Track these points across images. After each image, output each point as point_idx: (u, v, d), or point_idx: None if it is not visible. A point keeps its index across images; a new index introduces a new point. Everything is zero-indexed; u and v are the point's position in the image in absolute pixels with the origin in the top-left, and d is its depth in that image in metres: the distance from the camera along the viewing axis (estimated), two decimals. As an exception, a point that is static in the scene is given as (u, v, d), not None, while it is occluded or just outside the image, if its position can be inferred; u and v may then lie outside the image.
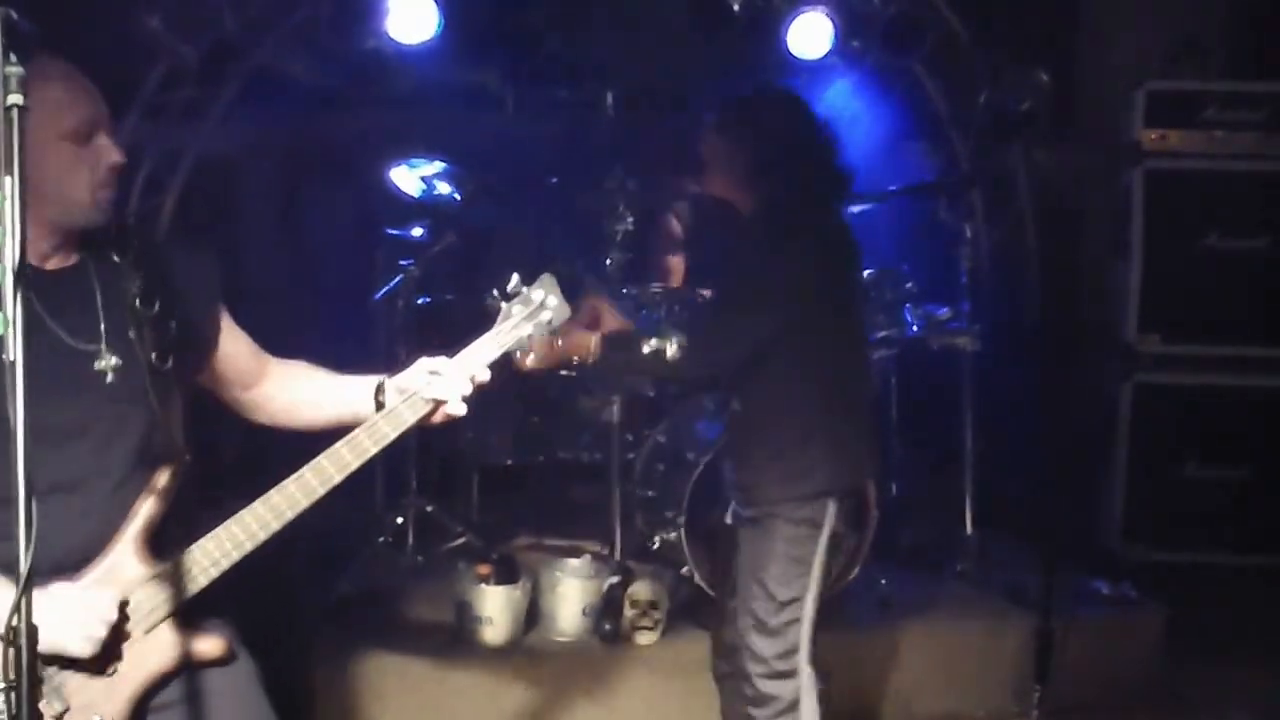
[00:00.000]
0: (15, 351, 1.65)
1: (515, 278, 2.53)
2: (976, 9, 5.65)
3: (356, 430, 2.36)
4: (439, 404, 2.42)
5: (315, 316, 5.52)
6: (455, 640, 4.21)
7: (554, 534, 5.12)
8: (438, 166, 5.15)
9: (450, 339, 5.29)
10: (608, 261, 4.85)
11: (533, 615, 4.31)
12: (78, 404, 2.23)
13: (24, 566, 1.64)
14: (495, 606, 4.17)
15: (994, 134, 5.54)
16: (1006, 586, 4.76)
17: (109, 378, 2.26)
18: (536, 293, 2.52)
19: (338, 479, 2.34)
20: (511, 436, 5.25)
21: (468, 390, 2.44)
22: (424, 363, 2.47)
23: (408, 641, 4.21)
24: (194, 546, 2.29)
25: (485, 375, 2.47)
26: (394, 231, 5.25)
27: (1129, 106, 5.64)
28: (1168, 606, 4.81)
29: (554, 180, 5.28)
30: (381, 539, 5.05)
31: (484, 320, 2.53)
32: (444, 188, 5.15)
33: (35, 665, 1.69)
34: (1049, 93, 5.41)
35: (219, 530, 2.29)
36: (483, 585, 4.21)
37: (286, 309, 5.67)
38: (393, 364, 4.95)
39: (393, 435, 2.39)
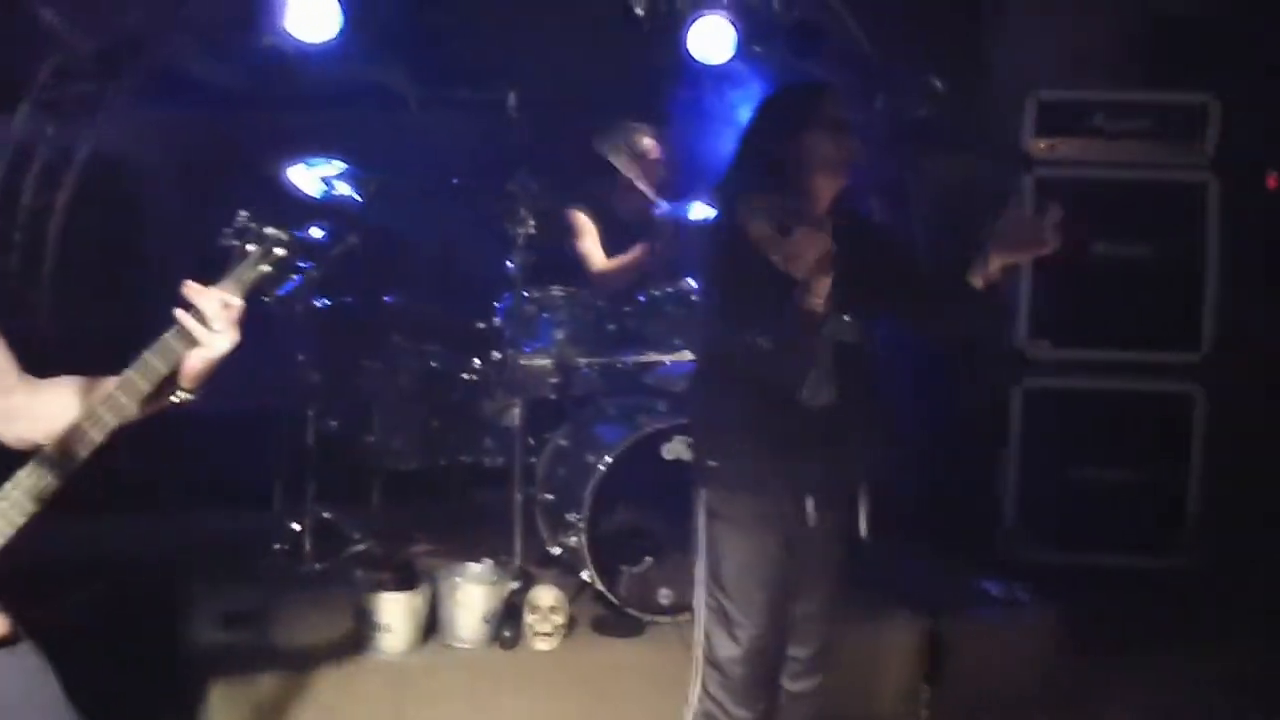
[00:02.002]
0: None
1: (243, 214, 2.52)
2: (876, 16, 5.73)
3: (110, 392, 2.32)
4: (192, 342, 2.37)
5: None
6: (354, 648, 4.17)
7: (454, 540, 5.11)
8: (338, 167, 5.09)
9: (349, 342, 5.29)
10: (510, 264, 4.84)
11: (433, 622, 4.29)
12: None
13: None
14: (394, 614, 4.15)
15: (890, 140, 5.64)
16: (900, 589, 4.82)
17: None
18: (269, 228, 2.53)
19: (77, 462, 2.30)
20: (413, 441, 5.22)
21: (217, 322, 2.37)
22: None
23: (306, 650, 4.17)
24: None
25: (235, 302, 2.41)
26: (292, 232, 5.17)
27: (1020, 115, 5.75)
28: (1058, 608, 4.90)
29: (456, 182, 5.25)
30: (278, 547, 5.00)
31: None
32: (344, 188, 5.10)
33: None
34: (945, 100, 5.51)
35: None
36: (381, 592, 4.18)
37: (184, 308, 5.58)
38: (290, 366, 4.96)
39: (146, 388, 2.33)
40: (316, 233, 5.12)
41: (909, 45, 5.69)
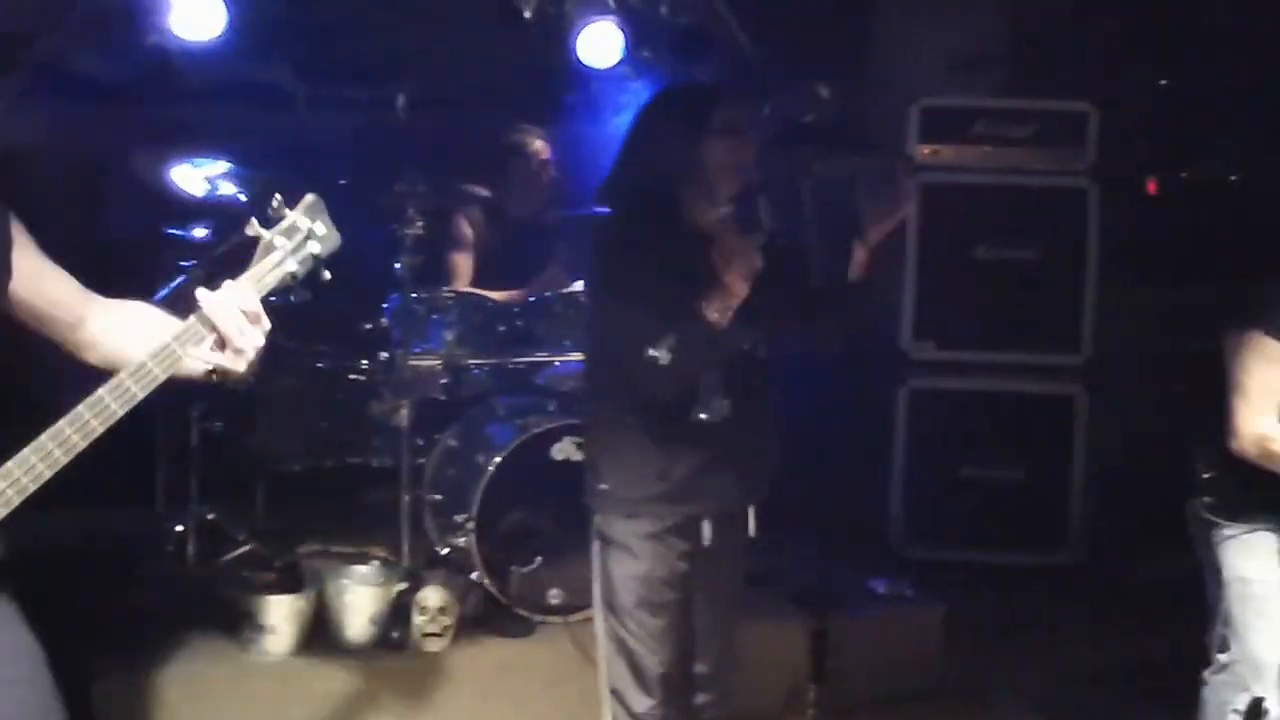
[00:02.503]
0: None
1: (277, 198, 2.23)
2: (764, 23, 5.78)
3: (100, 396, 2.11)
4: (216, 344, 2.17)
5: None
6: (239, 651, 4.12)
7: (341, 541, 5.04)
8: (223, 166, 5.02)
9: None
10: (398, 265, 4.81)
11: (319, 624, 4.24)
12: None
13: None
14: (279, 616, 4.10)
15: (778, 145, 5.69)
16: (790, 587, 4.87)
17: None
18: (302, 219, 2.23)
19: (79, 448, 2.10)
20: (299, 441, 5.16)
21: (234, 327, 2.16)
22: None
23: (190, 653, 4.12)
24: None
25: (253, 307, 2.18)
26: (176, 232, 5.10)
27: (905, 121, 5.86)
28: (943, 604, 4.97)
29: (343, 182, 5.20)
30: (162, 548, 4.91)
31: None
32: (229, 188, 5.02)
33: None
34: (832, 106, 5.59)
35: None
36: (266, 594, 4.13)
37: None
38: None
39: (137, 394, 2.12)
40: (201, 232, 5.07)
41: (795, 51, 5.75)
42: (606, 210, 3.33)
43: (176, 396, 4.91)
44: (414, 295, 4.90)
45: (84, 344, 2.46)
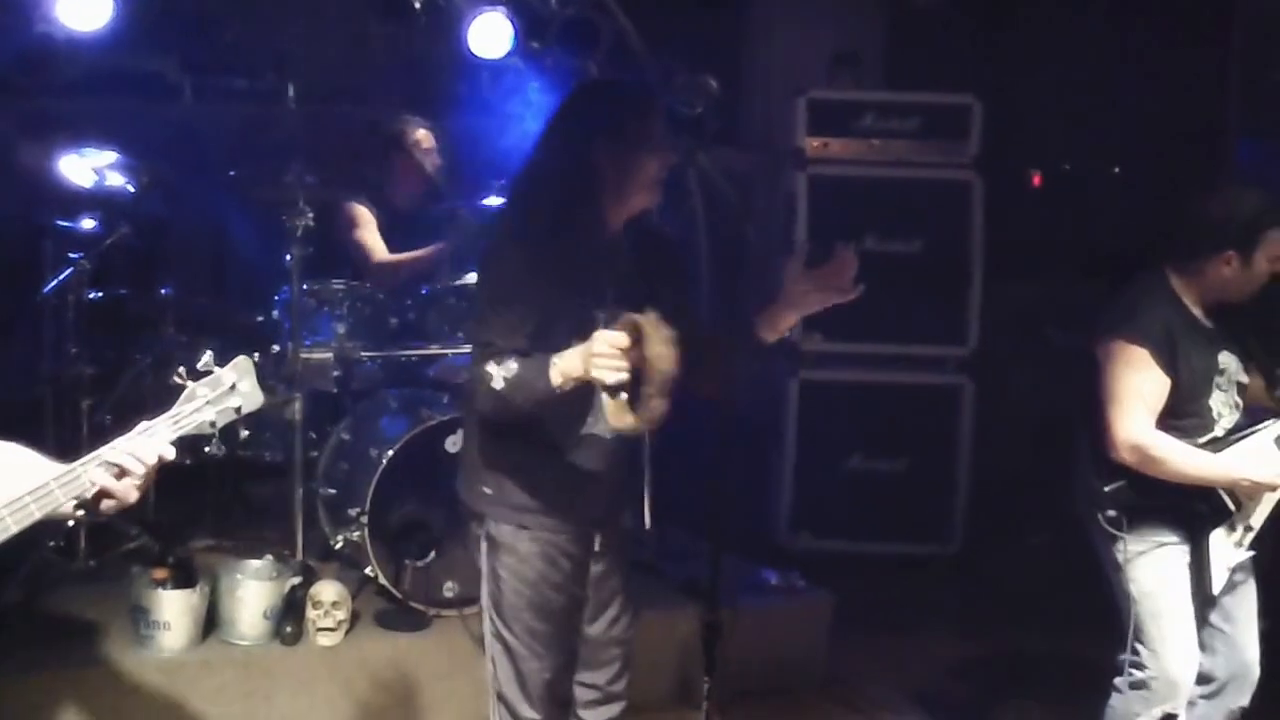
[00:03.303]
0: None
1: (208, 355, 2.41)
2: (648, 14, 5.81)
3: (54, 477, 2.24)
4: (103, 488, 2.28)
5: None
6: (132, 647, 4.08)
7: (234, 535, 5.01)
8: (110, 156, 4.95)
9: (123, 335, 5.14)
10: (288, 257, 4.78)
11: (212, 618, 4.22)
12: None
13: None
14: (172, 611, 4.07)
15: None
16: (681, 579, 4.89)
17: None
18: (228, 375, 2.40)
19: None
20: (188, 435, 5.09)
21: (138, 473, 2.30)
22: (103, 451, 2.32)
23: (81, 650, 4.07)
24: None
25: (167, 453, 2.34)
26: (63, 223, 5.01)
27: (792, 114, 5.93)
28: (832, 594, 5.03)
29: (232, 173, 5.16)
30: (50, 543, 4.82)
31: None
32: (116, 179, 4.95)
33: None
34: (717, 98, 5.64)
35: None
36: (159, 589, 4.10)
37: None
38: (62, 360, 4.79)
39: (37, 516, 2.23)
40: (89, 223, 5.00)
41: (681, 44, 5.80)
42: (507, 202, 3.26)
43: (67, 390, 4.86)
44: (304, 287, 4.86)
45: None
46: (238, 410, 2.39)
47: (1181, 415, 3.43)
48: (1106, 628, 3.65)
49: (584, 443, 3.05)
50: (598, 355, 2.65)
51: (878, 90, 6.12)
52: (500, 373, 2.78)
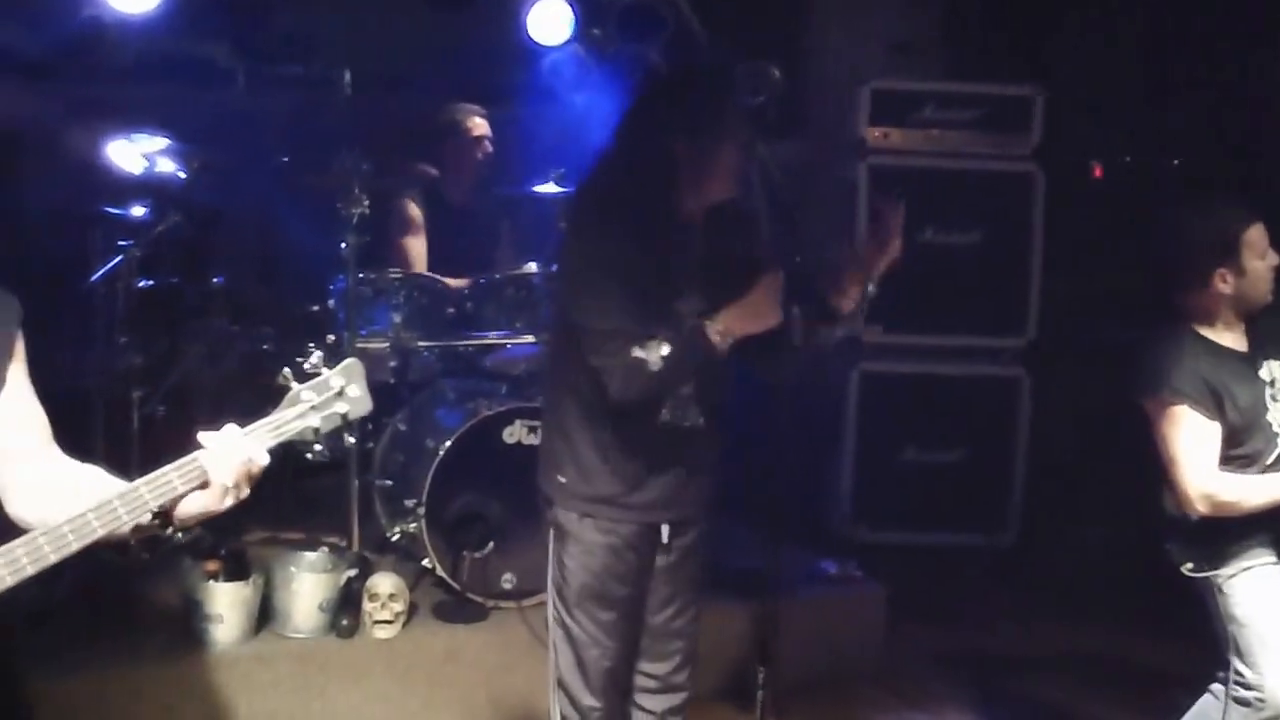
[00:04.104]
0: None
1: (316, 356, 2.26)
2: (710, 2, 5.75)
3: (83, 512, 2.07)
4: (198, 487, 2.13)
5: (27, 299, 5.16)
6: (185, 640, 4.03)
7: (289, 527, 4.96)
8: (161, 143, 4.90)
9: (174, 324, 5.09)
10: (343, 245, 4.71)
11: (267, 612, 4.17)
12: None
13: None
14: (225, 604, 4.02)
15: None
16: (738, 570, 4.85)
17: None
18: (336, 379, 2.22)
19: (50, 560, 2.06)
20: (243, 425, 5.04)
21: (230, 479, 2.13)
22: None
23: (134, 644, 4.02)
24: None
25: (262, 460, 2.16)
26: (113, 210, 4.97)
27: (853, 104, 5.85)
28: (889, 585, 4.99)
29: (286, 160, 5.10)
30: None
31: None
32: (167, 165, 4.91)
33: None
34: (780, 87, 5.55)
35: None
36: (211, 582, 4.05)
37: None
38: (112, 349, 4.75)
39: (126, 521, 2.09)
40: (139, 210, 4.95)
41: (744, 32, 5.73)
42: (584, 191, 3.21)
43: (117, 381, 4.81)
44: (360, 276, 4.80)
45: (15, 486, 2.30)
46: (344, 417, 2.24)
47: (1244, 443, 3.39)
48: (1165, 625, 3.60)
49: (660, 433, 3.02)
50: (765, 304, 2.76)
51: (936, 80, 6.02)
52: (654, 355, 2.79)
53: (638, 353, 2.80)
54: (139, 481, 2.11)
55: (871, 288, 3.10)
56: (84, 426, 4.90)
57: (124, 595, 4.38)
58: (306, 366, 2.23)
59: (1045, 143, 5.89)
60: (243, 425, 2.22)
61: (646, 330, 2.83)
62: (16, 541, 2.08)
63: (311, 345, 4.81)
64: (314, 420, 2.20)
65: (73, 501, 2.14)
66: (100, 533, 2.08)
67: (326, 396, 2.20)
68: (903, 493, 5.93)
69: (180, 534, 2.25)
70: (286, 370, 2.22)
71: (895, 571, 5.13)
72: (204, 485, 2.13)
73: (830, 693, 4.65)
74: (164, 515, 2.18)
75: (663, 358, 2.79)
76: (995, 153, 5.91)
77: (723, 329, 2.82)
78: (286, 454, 5.00)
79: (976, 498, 6.02)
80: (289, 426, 2.18)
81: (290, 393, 2.20)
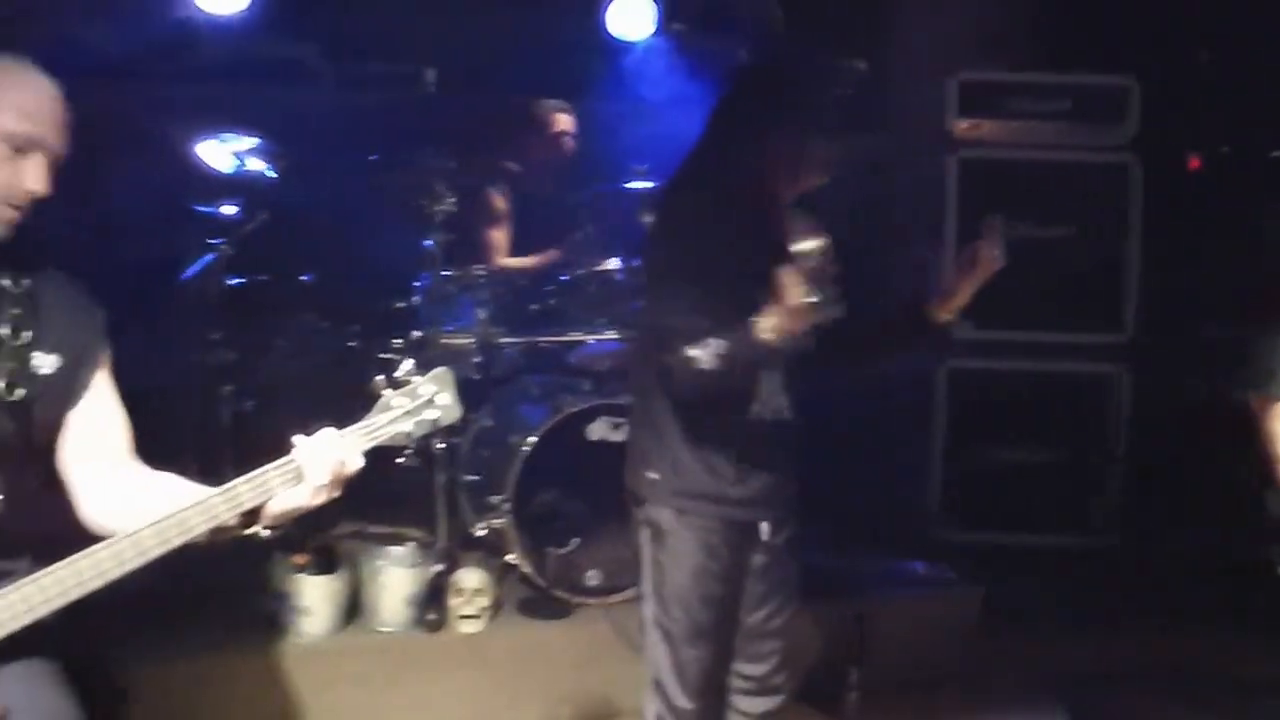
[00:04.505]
0: None
1: (409, 364, 2.33)
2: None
3: (185, 508, 2.19)
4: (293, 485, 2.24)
5: (119, 298, 5.24)
6: (274, 632, 4.06)
7: (376, 521, 4.98)
8: (250, 141, 4.96)
9: (264, 321, 5.15)
10: (428, 242, 4.73)
11: (354, 605, 4.19)
12: None
13: None
14: (313, 596, 4.05)
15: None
16: (826, 571, 4.79)
17: None
18: (427, 386, 2.32)
19: (153, 554, 2.20)
20: (331, 420, 5.07)
21: (324, 479, 2.22)
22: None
23: (223, 635, 4.07)
24: None
25: (355, 463, 2.26)
26: (203, 209, 5.03)
27: (941, 96, 5.75)
28: (981, 586, 4.90)
29: (373, 158, 5.14)
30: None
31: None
32: (257, 164, 4.97)
33: None
34: (864, 80, 5.49)
35: (13, 590, 2.13)
36: (300, 575, 4.07)
37: (90, 288, 5.38)
38: (203, 346, 4.81)
39: (225, 518, 2.22)
40: (228, 209, 5.01)
41: (827, 23, 5.67)
42: (675, 184, 3.15)
43: (208, 377, 4.88)
44: (445, 273, 4.83)
45: (97, 495, 2.39)
46: (435, 423, 2.32)
47: None
48: (1271, 633, 3.46)
49: (752, 427, 2.97)
50: (787, 286, 2.60)
51: (1028, 70, 5.89)
52: (707, 353, 2.72)
53: (692, 350, 2.74)
54: (237, 480, 2.20)
55: None
56: (176, 422, 4.97)
57: (215, 587, 4.42)
58: (399, 374, 2.30)
59: (1141, 133, 5.74)
60: (329, 420, 2.27)
61: (724, 327, 2.77)
62: (116, 538, 2.15)
63: (398, 342, 4.95)
64: (406, 426, 2.30)
65: (152, 507, 2.22)
66: (199, 529, 2.20)
67: (418, 404, 2.30)
68: (995, 493, 5.80)
69: (267, 531, 2.29)
70: (379, 377, 2.30)
71: (987, 573, 5.02)
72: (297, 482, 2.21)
73: (920, 696, 4.54)
74: (252, 514, 2.25)
75: (716, 356, 2.72)
76: (1090, 144, 5.75)
77: (771, 325, 2.69)
78: (375, 451, 5.07)
79: (1072, 498, 5.86)
80: (382, 431, 2.28)
81: (382, 399, 2.29)
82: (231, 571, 4.53)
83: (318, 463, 2.21)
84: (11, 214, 2.16)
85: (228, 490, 2.20)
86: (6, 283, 2.26)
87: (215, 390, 4.89)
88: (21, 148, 2.11)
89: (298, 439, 2.24)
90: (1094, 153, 5.75)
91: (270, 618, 4.10)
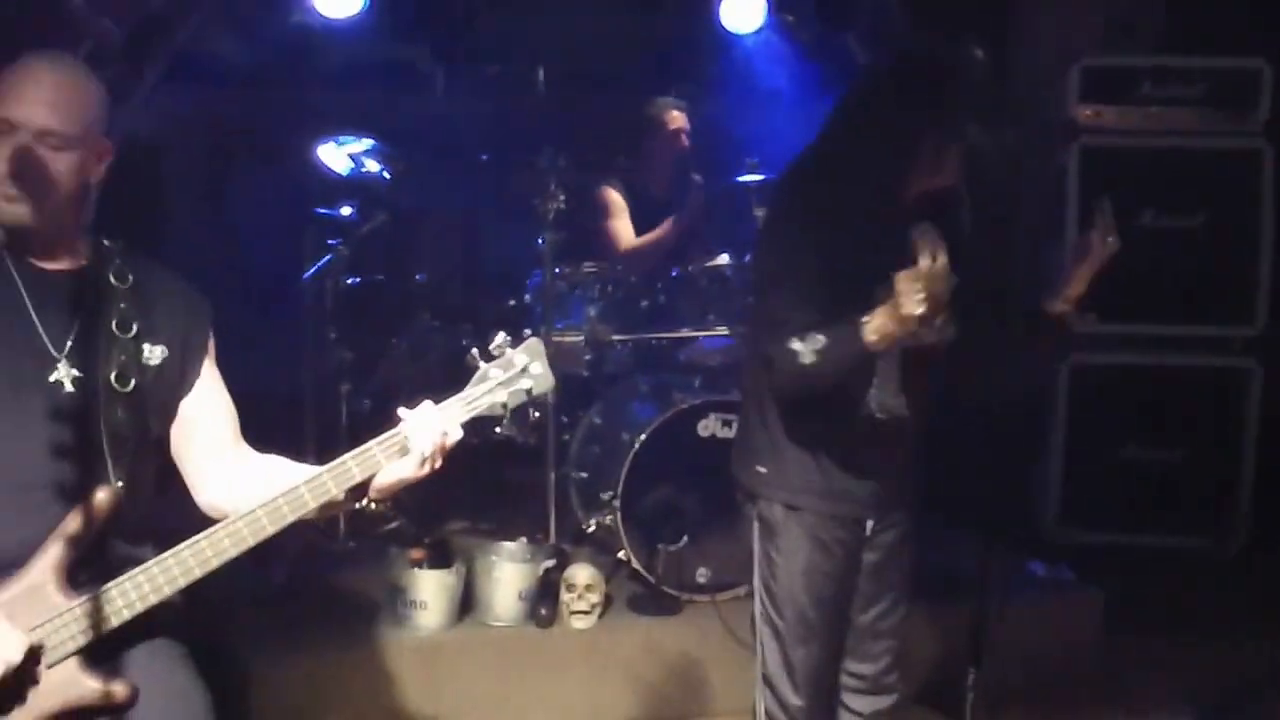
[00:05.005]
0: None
1: (501, 336, 2.41)
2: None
3: (296, 485, 2.28)
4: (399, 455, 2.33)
5: (244, 297, 5.39)
6: (390, 626, 4.12)
7: (488, 518, 5.05)
8: (366, 144, 5.05)
9: (380, 320, 5.24)
10: (539, 241, 4.76)
11: (468, 600, 4.22)
12: (29, 404, 2.22)
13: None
14: (429, 591, 4.09)
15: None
16: (944, 571, 4.71)
17: (67, 386, 2.24)
18: (520, 357, 2.40)
19: (268, 532, 2.27)
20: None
21: (428, 448, 2.32)
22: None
23: (342, 627, 4.13)
24: (112, 586, 2.19)
25: (455, 434, 2.35)
26: (322, 211, 5.13)
27: (1063, 83, 5.61)
28: (1104, 589, 4.79)
29: (485, 158, 5.19)
30: (314, 525, 4.95)
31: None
32: (373, 166, 5.06)
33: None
34: (985, 69, 5.38)
35: (139, 572, 2.20)
36: (416, 570, 4.13)
37: (214, 290, 5.50)
38: (322, 345, 4.91)
39: (333, 491, 2.30)
40: (346, 211, 5.11)
41: (944, 11, 5.56)
42: (793, 177, 3.08)
43: (327, 376, 4.97)
44: (556, 271, 4.85)
45: (209, 481, 2.49)
46: (529, 392, 2.39)
47: None
48: None
49: (863, 426, 2.92)
50: (903, 293, 2.56)
51: (1154, 55, 5.71)
52: (808, 347, 2.69)
53: (794, 344, 2.70)
54: (345, 456, 2.32)
55: None
56: (296, 420, 5.08)
57: (333, 581, 4.54)
58: (492, 347, 2.37)
59: (1274, 118, 5.53)
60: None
61: (832, 323, 2.72)
62: (232, 518, 2.26)
63: (508, 339, 4.97)
64: (501, 396, 2.38)
65: (264, 489, 2.30)
66: (311, 506, 2.28)
67: (512, 374, 2.38)
68: (1119, 492, 5.63)
69: (374, 505, 2.38)
70: (474, 350, 2.40)
71: (1111, 575, 4.90)
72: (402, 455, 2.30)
73: (1042, 700, 4.46)
74: (359, 489, 2.35)
75: (816, 352, 2.68)
76: (1220, 129, 5.55)
77: (875, 326, 2.64)
78: (486, 447, 5.14)
79: (1200, 499, 5.65)
80: (479, 402, 2.36)
81: (479, 371, 2.38)
82: (351, 567, 4.65)
83: (422, 434, 2.30)
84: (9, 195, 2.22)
85: (336, 466, 2.30)
86: (112, 279, 2.33)
87: (334, 389, 4.98)
88: (8, 130, 2.18)
89: (402, 411, 2.33)
90: (1224, 139, 5.53)
91: (388, 612, 4.16)
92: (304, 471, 2.36)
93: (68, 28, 4.85)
